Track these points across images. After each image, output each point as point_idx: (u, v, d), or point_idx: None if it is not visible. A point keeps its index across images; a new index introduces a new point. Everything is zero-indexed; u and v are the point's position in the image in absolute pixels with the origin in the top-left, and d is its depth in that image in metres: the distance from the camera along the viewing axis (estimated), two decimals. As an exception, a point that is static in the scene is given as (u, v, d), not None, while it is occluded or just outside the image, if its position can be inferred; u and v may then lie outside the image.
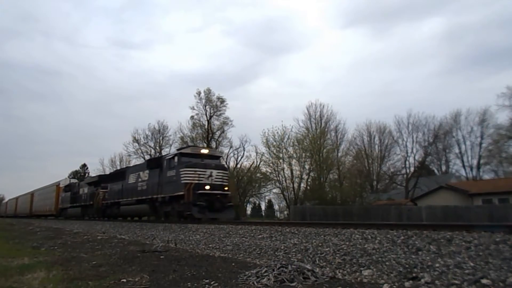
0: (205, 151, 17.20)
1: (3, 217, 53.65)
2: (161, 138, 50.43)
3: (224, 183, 16.01)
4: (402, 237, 6.19)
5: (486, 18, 68.80)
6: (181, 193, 15.11)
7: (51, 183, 44.51)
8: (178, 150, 17.84)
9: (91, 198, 26.68)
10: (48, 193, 40.68)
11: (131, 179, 20.92)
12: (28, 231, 17.65)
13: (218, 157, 18.31)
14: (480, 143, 46.48)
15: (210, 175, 15.43)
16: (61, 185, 38.04)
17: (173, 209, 16.30)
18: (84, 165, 67.54)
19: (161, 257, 6.87)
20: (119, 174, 23.79)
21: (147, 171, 19.01)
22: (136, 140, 49.83)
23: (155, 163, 18.63)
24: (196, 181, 15.04)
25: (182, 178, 15.30)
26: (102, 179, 26.97)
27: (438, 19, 75.75)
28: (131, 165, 35.41)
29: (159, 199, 17.07)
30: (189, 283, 4.45)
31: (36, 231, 17.38)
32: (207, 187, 15.12)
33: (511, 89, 35.83)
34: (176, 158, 16.48)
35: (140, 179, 19.66)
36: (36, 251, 8.43)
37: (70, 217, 31.86)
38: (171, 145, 49.22)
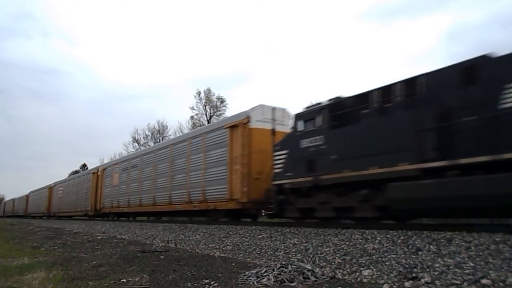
0: None
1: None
2: (161, 138, 50.41)
3: None
4: (402, 237, 6.19)
5: (487, 17, 69.05)
6: None
7: (215, 122, 20.63)
8: None
9: None
10: (191, 159, 14.56)
11: None
12: (28, 231, 17.67)
13: None
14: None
15: None
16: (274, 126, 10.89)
17: None
18: (84, 165, 67.44)
19: (161, 257, 6.88)
20: None
21: None
22: (136, 140, 49.90)
23: None
24: None
25: None
26: None
27: (439, 17, 76.00)
28: None
29: None
30: (189, 283, 4.46)
31: (36, 231, 17.39)
32: None
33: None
34: None
35: None
36: (36, 251, 8.43)
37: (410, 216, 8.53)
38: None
